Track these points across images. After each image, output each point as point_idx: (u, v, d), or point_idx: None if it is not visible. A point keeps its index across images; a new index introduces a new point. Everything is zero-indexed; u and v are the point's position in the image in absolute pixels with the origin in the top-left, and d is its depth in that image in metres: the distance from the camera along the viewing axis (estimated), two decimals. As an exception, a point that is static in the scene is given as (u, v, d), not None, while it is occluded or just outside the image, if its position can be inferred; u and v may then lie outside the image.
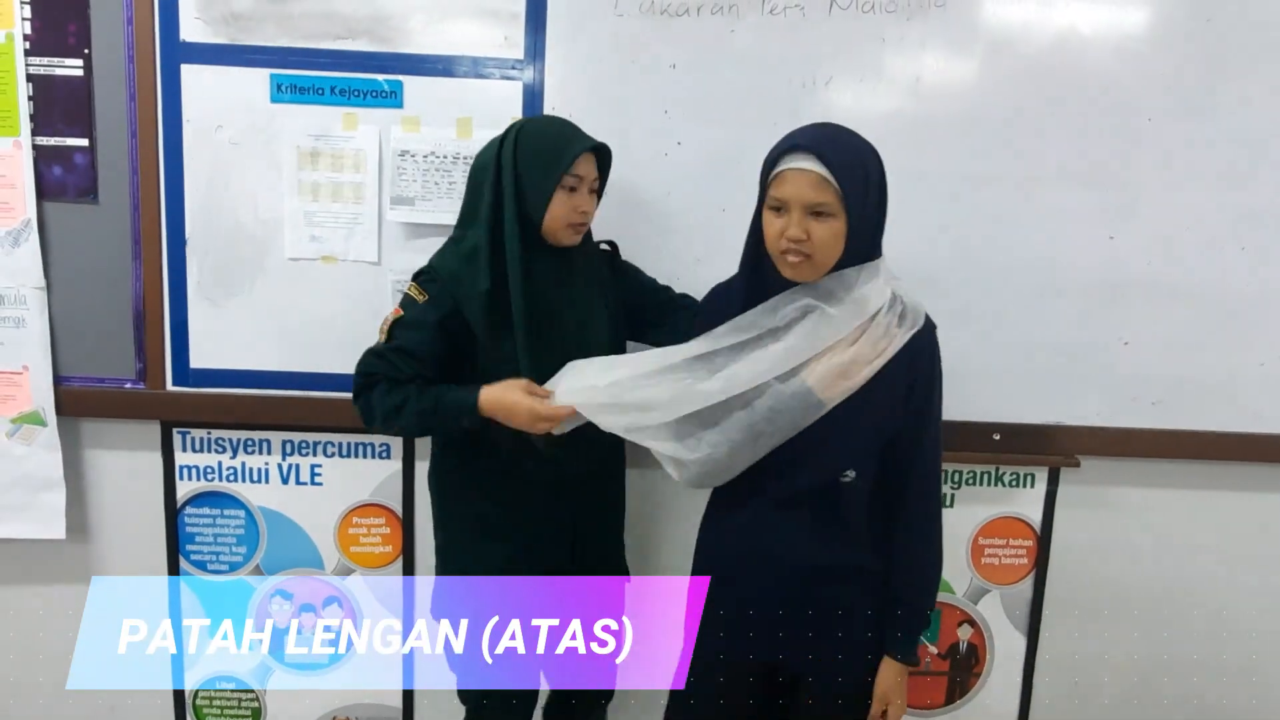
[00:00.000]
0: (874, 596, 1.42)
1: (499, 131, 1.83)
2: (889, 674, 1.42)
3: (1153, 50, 1.85)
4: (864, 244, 1.31)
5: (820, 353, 1.30)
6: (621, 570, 1.72)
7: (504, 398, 1.47)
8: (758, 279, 1.36)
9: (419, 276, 1.58)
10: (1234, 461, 2.01)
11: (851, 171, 1.26)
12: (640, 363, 1.41)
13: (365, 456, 2.00)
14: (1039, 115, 1.86)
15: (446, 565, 1.68)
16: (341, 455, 2.00)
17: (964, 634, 2.10)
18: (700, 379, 1.34)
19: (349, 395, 1.90)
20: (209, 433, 1.98)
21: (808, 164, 1.25)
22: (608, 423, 1.41)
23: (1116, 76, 1.85)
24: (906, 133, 1.86)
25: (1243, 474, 2.03)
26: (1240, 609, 2.11)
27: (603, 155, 1.60)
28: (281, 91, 1.83)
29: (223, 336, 1.91)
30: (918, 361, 1.35)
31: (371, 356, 1.57)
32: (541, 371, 1.51)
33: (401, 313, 1.57)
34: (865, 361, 1.30)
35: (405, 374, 1.54)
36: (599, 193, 1.62)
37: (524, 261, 1.52)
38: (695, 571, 1.51)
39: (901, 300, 1.35)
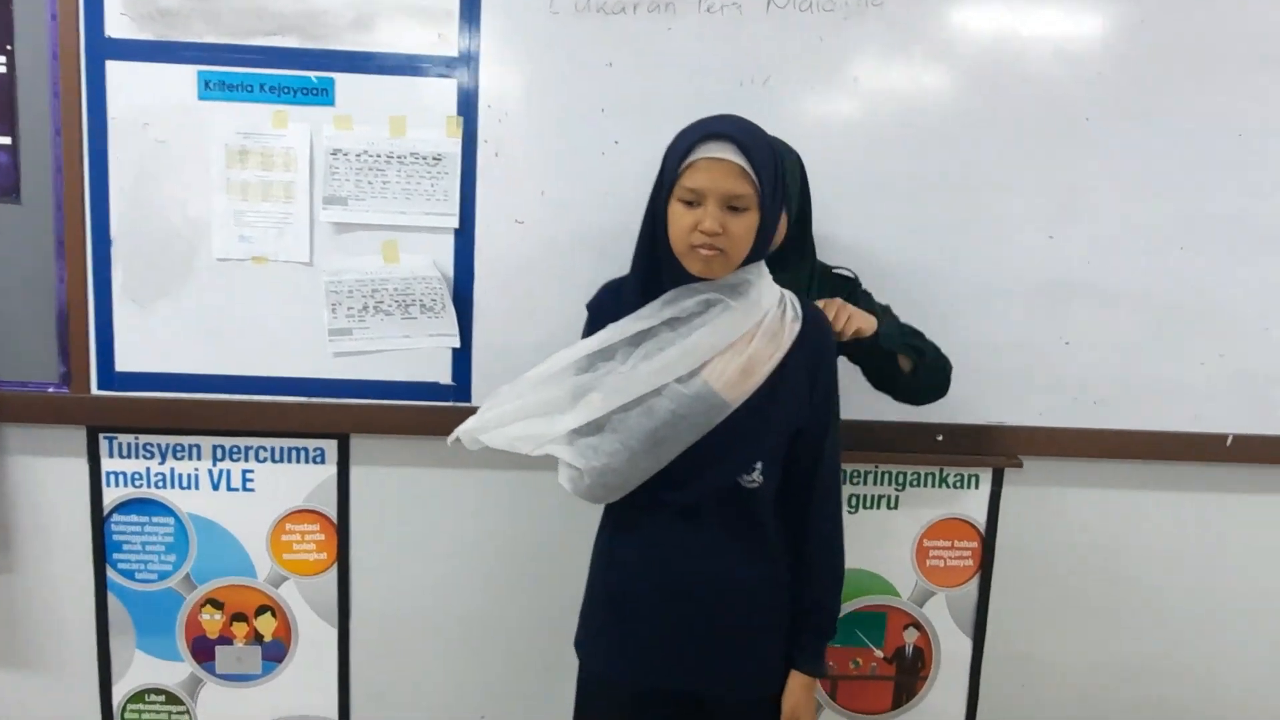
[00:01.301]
0: (783, 609, 1.37)
1: (433, 131, 1.84)
2: (797, 688, 1.37)
3: (1091, 52, 1.84)
4: (764, 242, 1.28)
5: (719, 351, 1.25)
6: None
7: None
8: (653, 278, 1.30)
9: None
10: (1175, 461, 2.00)
11: (768, 164, 1.23)
12: (543, 365, 1.35)
13: (298, 461, 1.95)
14: (979, 116, 1.85)
15: None
16: (274, 460, 1.95)
17: (910, 637, 2.08)
18: (599, 376, 1.29)
19: (282, 398, 1.89)
20: (136, 438, 1.92)
21: (727, 153, 1.20)
22: (512, 438, 1.35)
23: (1056, 77, 1.85)
24: (845, 133, 1.85)
25: (1184, 474, 2.02)
26: (1187, 609, 2.10)
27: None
28: (210, 89, 1.79)
29: (150, 339, 1.86)
30: (819, 355, 1.32)
31: None
32: None
33: None
34: (765, 358, 1.26)
35: None
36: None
37: None
38: (590, 599, 1.44)
39: (786, 296, 1.33)
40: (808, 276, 1.60)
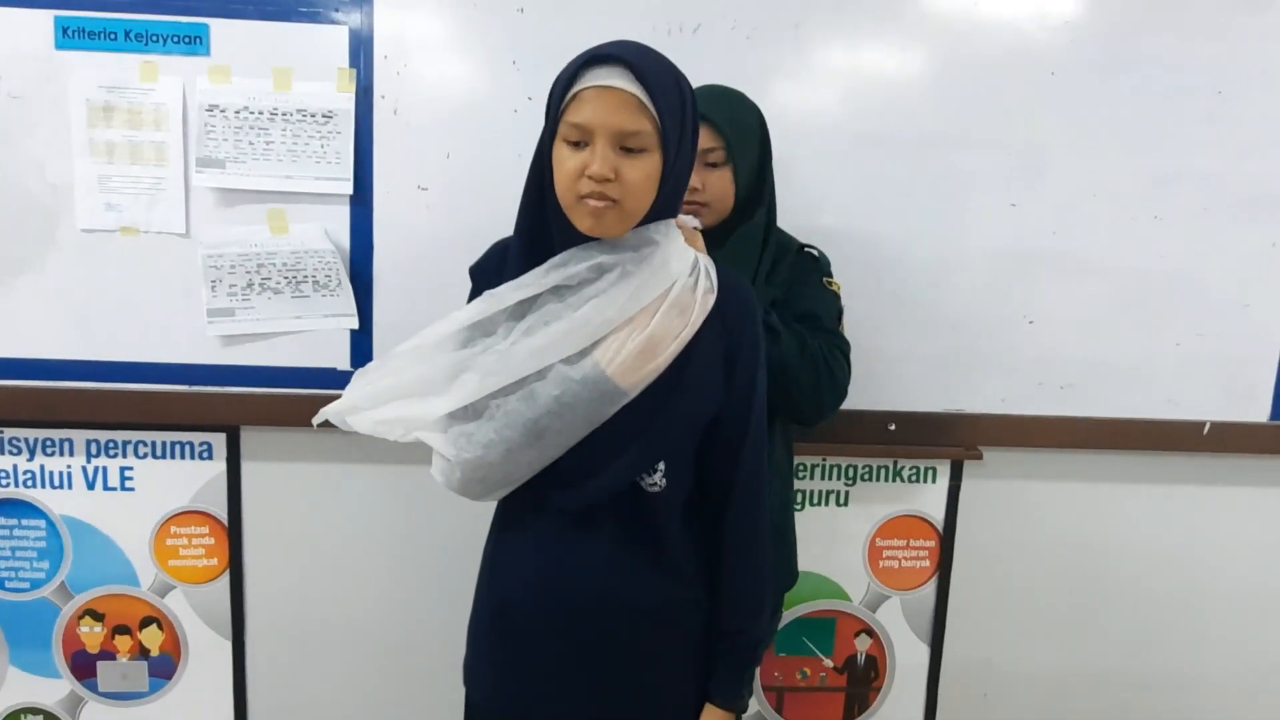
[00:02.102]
0: (695, 633, 1.17)
1: (322, 84, 1.64)
2: None
3: (1057, -1, 1.68)
4: (672, 193, 1.08)
5: (615, 327, 1.05)
6: None
7: None
8: (539, 239, 1.09)
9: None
10: (1148, 451, 1.85)
11: (670, 95, 1.03)
12: (416, 338, 1.16)
13: (183, 457, 1.76)
14: (934, 69, 1.68)
15: None
16: (155, 456, 1.75)
17: (862, 645, 1.91)
18: (476, 353, 1.10)
19: (163, 387, 1.70)
20: (0, 431, 1.73)
21: (618, 80, 1.00)
22: (377, 421, 1.15)
23: (1019, 27, 1.68)
24: (785, 86, 1.67)
25: (1158, 465, 1.87)
26: (1162, 612, 1.95)
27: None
28: (68, 36, 1.59)
29: (9, 321, 1.67)
30: (739, 331, 1.11)
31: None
32: None
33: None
34: (671, 336, 1.06)
35: None
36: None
37: None
38: (475, 617, 1.25)
39: (701, 262, 1.13)
40: (759, 240, 1.41)
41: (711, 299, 1.11)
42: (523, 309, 1.09)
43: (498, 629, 1.19)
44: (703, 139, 1.35)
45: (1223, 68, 1.70)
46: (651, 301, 1.07)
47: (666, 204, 1.08)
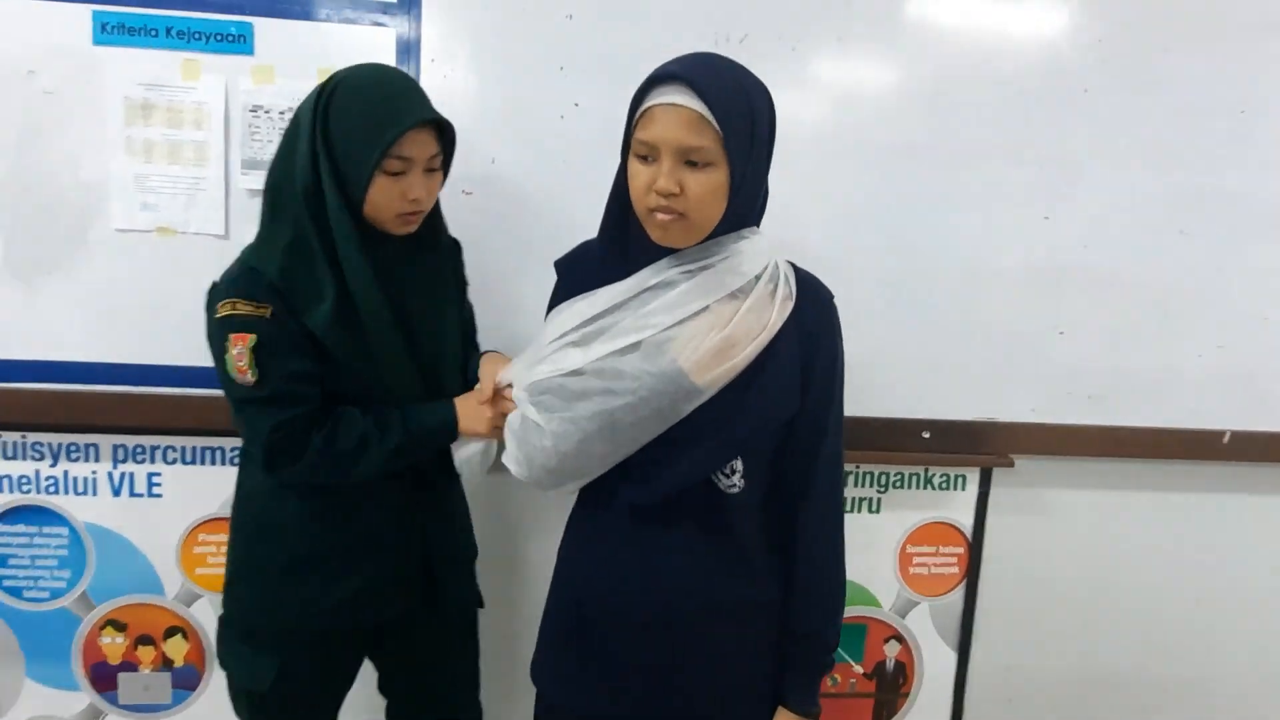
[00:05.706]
0: (768, 635, 1.18)
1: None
2: None
3: (1088, 16, 1.71)
4: (747, 203, 1.09)
5: (694, 324, 1.07)
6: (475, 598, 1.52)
7: (468, 405, 1.30)
8: (619, 246, 1.13)
9: (238, 287, 1.27)
10: (1174, 460, 1.89)
11: (735, 109, 1.03)
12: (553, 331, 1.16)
13: (211, 463, 1.72)
14: (968, 83, 1.71)
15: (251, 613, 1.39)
16: (184, 462, 1.72)
17: (891, 650, 1.93)
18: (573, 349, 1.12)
19: (192, 391, 1.67)
20: (24, 436, 1.68)
21: (680, 98, 1.01)
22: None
23: (1050, 43, 1.72)
24: (826, 99, 1.69)
25: (1180, 473, 1.91)
26: (1185, 618, 1.99)
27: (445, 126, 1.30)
28: (107, 32, 1.56)
29: (38, 322, 1.63)
30: (816, 337, 1.12)
31: (261, 409, 1.24)
32: (405, 391, 1.32)
33: (251, 337, 1.24)
34: (749, 337, 1.08)
35: (317, 404, 1.26)
36: (444, 169, 1.35)
37: (368, 258, 1.26)
38: (548, 614, 1.25)
39: (781, 268, 1.14)
40: None
41: (790, 305, 1.12)
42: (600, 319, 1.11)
43: (570, 625, 1.19)
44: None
45: (1248, 87, 1.76)
46: (729, 302, 1.08)
47: (741, 213, 1.09)
